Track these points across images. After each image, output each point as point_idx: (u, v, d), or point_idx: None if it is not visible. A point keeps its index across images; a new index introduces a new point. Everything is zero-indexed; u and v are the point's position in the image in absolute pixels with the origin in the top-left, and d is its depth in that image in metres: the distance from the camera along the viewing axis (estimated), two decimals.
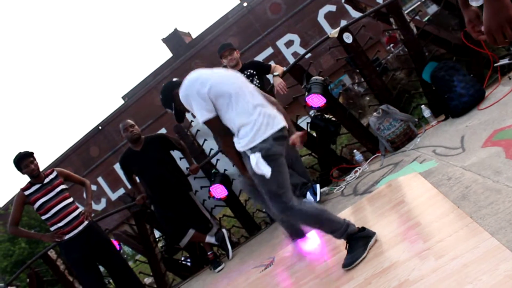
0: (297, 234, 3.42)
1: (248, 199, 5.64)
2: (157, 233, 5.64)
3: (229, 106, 2.62)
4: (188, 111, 2.87)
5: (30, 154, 4.13)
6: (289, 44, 18.64)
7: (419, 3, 25.49)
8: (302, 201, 2.67)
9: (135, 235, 5.48)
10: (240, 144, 2.65)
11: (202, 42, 20.43)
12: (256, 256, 4.09)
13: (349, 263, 2.53)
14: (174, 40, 26.29)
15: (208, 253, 4.76)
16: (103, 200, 20.70)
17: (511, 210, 1.98)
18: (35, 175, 4.10)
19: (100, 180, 20.67)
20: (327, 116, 4.77)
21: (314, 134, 5.03)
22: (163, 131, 16.77)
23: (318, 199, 4.24)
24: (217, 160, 5.25)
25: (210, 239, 4.73)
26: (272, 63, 4.76)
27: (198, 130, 5.46)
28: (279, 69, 4.43)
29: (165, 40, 26.53)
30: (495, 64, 4.23)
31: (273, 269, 3.45)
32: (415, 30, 4.54)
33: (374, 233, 2.67)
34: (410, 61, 4.88)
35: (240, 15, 19.59)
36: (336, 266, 2.72)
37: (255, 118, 2.62)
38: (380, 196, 3.46)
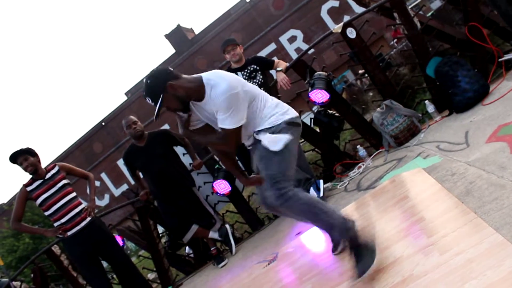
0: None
1: (251, 195, 5.65)
2: (160, 229, 5.65)
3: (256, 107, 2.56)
4: (176, 111, 2.57)
5: (25, 151, 4.11)
6: (292, 39, 18.61)
7: None
8: (299, 190, 2.50)
9: (138, 230, 5.49)
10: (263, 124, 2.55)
11: (205, 38, 20.43)
12: (259, 251, 4.09)
13: (362, 272, 2.29)
14: (177, 36, 26.25)
15: (211, 249, 4.76)
16: (107, 196, 20.78)
17: None
18: (31, 172, 4.09)
19: (103, 176, 20.75)
20: (330, 111, 4.76)
21: (318, 130, 5.02)
22: (166, 127, 16.77)
23: (321, 194, 4.24)
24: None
25: (213, 234, 4.73)
26: (275, 59, 4.74)
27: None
28: (282, 65, 4.42)
29: (167, 36, 26.50)
30: (500, 59, 4.21)
31: (276, 264, 3.45)
32: (419, 25, 4.52)
33: (373, 234, 2.47)
34: (413, 56, 4.86)
35: (243, 10, 19.57)
36: (340, 261, 2.72)
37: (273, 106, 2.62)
38: (384, 191, 3.45)
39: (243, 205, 5.27)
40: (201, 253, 5.23)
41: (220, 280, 4.17)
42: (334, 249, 2.81)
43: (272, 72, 4.77)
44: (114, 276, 4.97)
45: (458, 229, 2.13)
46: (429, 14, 8.13)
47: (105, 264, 4.52)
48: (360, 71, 12.16)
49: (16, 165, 4.13)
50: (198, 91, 2.45)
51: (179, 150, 4.93)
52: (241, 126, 2.43)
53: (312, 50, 5.91)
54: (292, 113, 2.65)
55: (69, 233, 4.08)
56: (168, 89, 2.41)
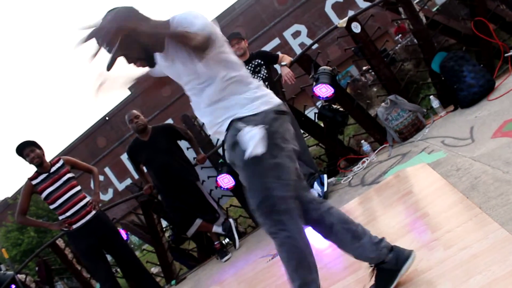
0: None
1: None
2: (164, 223, 5.66)
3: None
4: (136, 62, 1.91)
5: (31, 143, 4.13)
6: (296, 35, 18.54)
7: None
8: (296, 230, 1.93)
9: (142, 224, 5.51)
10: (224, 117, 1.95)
11: None
12: (263, 245, 4.09)
13: None
14: None
15: (215, 243, 4.77)
16: (110, 191, 20.82)
17: None
18: (37, 164, 4.10)
19: (107, 170, 20.78)
20: (334, 106, 4.75)
21: (322, 125, 5.02)
22: (170, 121, 16.78)
23: (325, 189, 4.24)
24: (224, 150, 5.25)
25: (217, 228, 4.74)
26: (279, 53, 4.73)
27: None
28: (286, 59, 4.41)
29: None
30: (506, 54, 4.18)
31: (280, 258, 3.45)
32: (424, 20, 4.49)
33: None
34: (418, 51, 4.84)
35: (247, 5, 19.48)
36: (343, 256, 2.71)
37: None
38: (388, 186, 3.45)
39: (247, 199, 5.26)
40: (205, 247, 5.24)
41: (224, 274, 4.18)
42: None
43: (277, 67, 4.77)
44: (118, 269, 5.00)
45: (462, 224, 2.12)
46: (435, 8, 8.08)
47: (109, 257, 4.54)
48: (364, 68, 12.11)
49: (20, 158, 4.14)
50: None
51: (183, 144, 4.94)
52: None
53: (316, 45, 5.90)
54: (277, 99, 2.05)
55: (74, 226, 4.10)
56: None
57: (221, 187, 4.86)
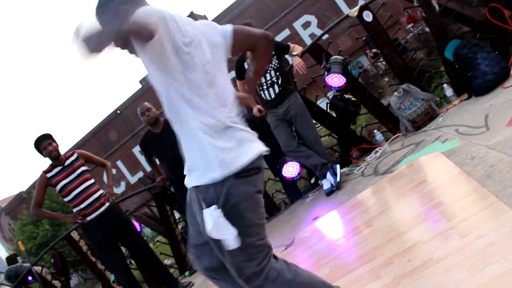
0: None
1: (267, 180, 5.65)
2: (177, 214, 5.70)
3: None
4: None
5: (48, 136, 4.17)
6: (306, 25, 18.43)
7: None
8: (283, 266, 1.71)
9: (155, 216, 5.54)
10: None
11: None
12: (277, 236, 4.10)
13: None
14: None
15: None
16: (123, 184, 21.00)
17: None
18: (54, 157, 4.14)
19: (119, 163, 20.95)
20: (346, 96, 4.72)
21: (334, 115, 4.99)
22: None
23: (338, 179, 4.23)
24: None
25: None
26: (290, 44, 4.70)
27: None
28: (298, 49, 4.38)
29: None
30: None
31: (293, 249, 3.46)
32: (437, 7, 4.43)
33: None
34: (430, 40, 4.78)
35: None
36: (357, 245, 2.71)
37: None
38: (401, 176, 3.43)
39: None
40: None
41: None
42: None
43: (288, 58, 4.74)
44: (132, 261, 5.04)
45: (478, 213, 2.10)
46: None
47: (123, 249, 4.58)
48: (371, 52, 11.90)
49: (35, 153, 4.18)
50: None
51: None
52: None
53: (326, 36, 5.85)
54: (254, 148, 1.66)
55: (88, 218, 4.13)
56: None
57: None
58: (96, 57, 1.32)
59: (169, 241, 5.39)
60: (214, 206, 1.56)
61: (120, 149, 21.01)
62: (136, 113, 4.74)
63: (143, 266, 4.79)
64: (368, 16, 4.46)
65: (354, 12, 4.53)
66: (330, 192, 4.27)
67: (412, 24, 12.80)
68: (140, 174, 20.24)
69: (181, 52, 1.58)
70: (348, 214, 3.45)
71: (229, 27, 1.81)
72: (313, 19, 18.25)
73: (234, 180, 1.57)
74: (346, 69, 4.52)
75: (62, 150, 4.26)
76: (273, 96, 4.35)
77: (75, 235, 5.26)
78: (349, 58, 5.05)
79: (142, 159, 19.38)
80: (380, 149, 4.54)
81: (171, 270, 5.16)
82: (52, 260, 5.34)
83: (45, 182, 4.18)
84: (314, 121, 4.65)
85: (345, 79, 4.40)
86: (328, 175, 4.25)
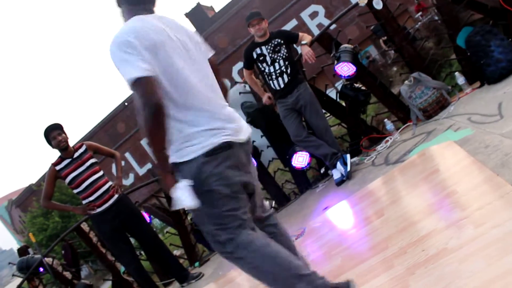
0: None
1: (277, 170, 5.63)
2: None
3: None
4: None
5: (58, 127, 4.16)
6: (313, 15, 18.29)
7: None
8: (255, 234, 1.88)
9: (164, 207, 5.54)
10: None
11: (225, 15, 20.22)
12: (287, 227, 3.99)
13: None
14: (197, 14, 26.04)
15: None
16: (131, 175, 21.08)
17: None
18: (63, 148, 4.13)
19: (127, 155, 21.03)
20: (356, 85, 4.67)
21: (344, 104, 4.95)
22: None
23: (348, 169, 4.19)
24: None
25: None
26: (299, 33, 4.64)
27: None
28: (307, 38, 4.32)
29: (187, 15, 26.30)
30: None
31: (304, 239, 3.44)
32: None
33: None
34: (439, 29, 4.71)
35: None
36: (369, 235, 2.68)
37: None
38: (413, 165, 3.38)
39: (269, 180, 5.25)
40: None
41: None
42: None
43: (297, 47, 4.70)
44: (142, 252, 5.05)
45: (493, 202, 2.06)
46: None
47: (133, 241, 4.58)
48: (383, 39, 11.72)
49: (45, 145, 4.18)
50: None
51: None
52: (154, 80, 1.68)
53: (334, 26, 5.79)
54: (219, 135, 1.84)
55: (98, 210, 4.13)
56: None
57: None
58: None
59: (179, 232, 5.39)
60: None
61: (128, 141, 21.07)
62: None
63: (153, 257, 4.79)
64: (378, 4, 4.39)
65: (363, 0, 4.46)
66: (340, 182, 4.24)
67: (421, 13, 12.66)
68: (149, 166, 20.31)
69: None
70: (359, 204, 3.42)
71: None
72: (320, 9, 18.09)
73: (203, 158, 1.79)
74: (356, 58, 4.46)
75: (71, 143, 4.26)
76: (282, 85, 4.31)
77: (85, 226, 5.27)
78: (359, 47, 4.98)
79: (150, 151, 19.40)
80: (390, 139, 4.49)
81: (181, 261, 5.17)
82: (63, 252, 5.37)
83: (54, 175, 4.18)
84: (323, 111, 4.61)
85: (355, 68, 4.35)
86: (338, 165, 4.22)
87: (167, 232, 6.63)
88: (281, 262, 1.84)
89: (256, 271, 1.87)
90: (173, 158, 1.82)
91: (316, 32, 16.37)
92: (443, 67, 5.16)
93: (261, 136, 5.01)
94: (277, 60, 4.27)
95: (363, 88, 4.66)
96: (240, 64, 16.81)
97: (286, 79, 4.29)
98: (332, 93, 5.08)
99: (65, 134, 4.19)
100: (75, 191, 4.17)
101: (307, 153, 4.62)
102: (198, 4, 26.62)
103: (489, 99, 3.61)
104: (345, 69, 4.33)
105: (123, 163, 19.89)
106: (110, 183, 4.28)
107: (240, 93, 5.22)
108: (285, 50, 4.28)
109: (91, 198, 4.13)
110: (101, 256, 5.30)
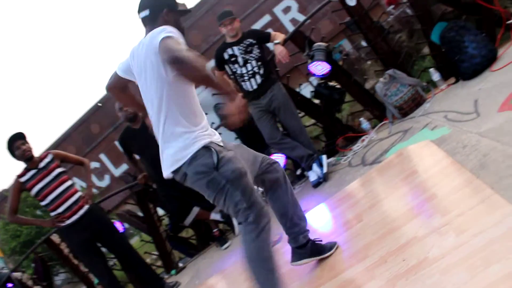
0: None
1: None
2: (161, 211, 5.55)
3: None
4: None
5: (21, 136, 3.97)
6: (286, 10, 18.22)
7: None
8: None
9: (137, 215, 5.40)
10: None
11: (198, 12, 19.98)
12: None
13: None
14: None
15: (214, 231, 4.67)
16: (107, 177, 20.72)
17: None
18: (27, 158, 3.93)
19: (102, 156, 20.65)
20: (331, 83, 4.59)
21: (318, 103, 4.87)
22: None
23: (325, 170, 4.12)
24: (220, 134, 5.10)
25: (215, 216, 4.63)
26: (271, 31, 4.53)
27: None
28: (279, 37, 4.20)
29: None
30: (508, 22, 4.01)
31: (281, 246, 3.34)
32: None
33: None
34: (411, 22, 4.67)
35: None
36: (347, 243, 2.60)
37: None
38: (391, 166, 3.32)
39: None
40: (204, 235, 5.14)
41: (224, 262, 4.07)
42: None
43: (269, 45, 4.58)
44: (116, 262, 4.89)
45: (474, 207, 2.00)
46: None
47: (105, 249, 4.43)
48: (358, 34, 11.73)
49: (9, 154, 3.97)
50: None
51: None
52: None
53: (308, 21, 5.70)
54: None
55: (67, 222, 3.95)
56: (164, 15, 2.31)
57: None
58: None
59: (154, 239, 5.25)
60: None
61: (103, 142, 20.68)
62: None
63: (127, 267, 4.65)
64: (351, 1, 4.31)
65: None
66: (317, 184, 4.16)
67: (393, 6, 12.69)
68: (124, 167, 19.93)
69: None
70: (338, 207, 3.33)
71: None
72: (293, 3, 18.02)
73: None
74: (330, 56, 4.37)
75: (41, 149, 4.08)
76: (255, 87, 4.19)
77: (55, 238, 5.08)
78: (332, 44, 4.92)
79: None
80: (367, 137, 4.43)
81: (157, 269, 5.03)
82: (33, 265, 5.17)
83: (19, 188, 3.98)
84: (298, 111, 4.51)
85: (329, 67, 4.26)
86: (315, 166, 4.14)
87: (142, 240, 6.46)
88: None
89: None
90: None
91: (290, 27, 16.30)
92: (416, 61, 5.12)
93: (235, 139, 4.90)
94: (250, 61, 4.15)
95: (338, 86, 4.59)
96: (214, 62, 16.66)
97: (259, 80, 4.17)
98: (306, 89, 4.99)
99: (29, 143, 3.99)
100: (42, 203, 3.98)
101: (282, 155, 4.52)
102: None
103: (464, 95, 3.56)
104: (319, 68, 4.25)
105: (98, 164, 19.62)
106: (79, 193, 4.10)
107: (213, 94, 5.09)
108: (258, 51, 4.16)
109: (59, 210, 3.94)
110: (73, 268, 5.12)
